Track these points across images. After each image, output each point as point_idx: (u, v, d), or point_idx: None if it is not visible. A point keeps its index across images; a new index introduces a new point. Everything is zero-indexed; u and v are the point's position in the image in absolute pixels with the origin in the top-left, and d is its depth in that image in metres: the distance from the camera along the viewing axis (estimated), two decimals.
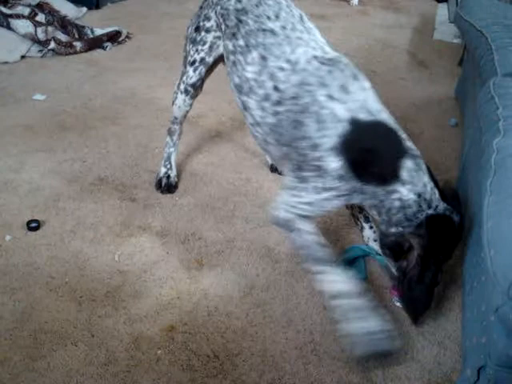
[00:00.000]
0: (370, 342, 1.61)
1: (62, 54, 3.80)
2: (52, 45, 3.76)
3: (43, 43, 3.75)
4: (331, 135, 1.65)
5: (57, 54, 3.80)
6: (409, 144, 1.71)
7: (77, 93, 3.31)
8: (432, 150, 2.92)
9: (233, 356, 1.74)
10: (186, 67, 2.22)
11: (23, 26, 3.73)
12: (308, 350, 1.78)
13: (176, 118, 2.41)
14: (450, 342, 1.82)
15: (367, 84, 1.77)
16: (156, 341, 1.77)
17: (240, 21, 1.95)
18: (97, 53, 3.93)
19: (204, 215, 2.32)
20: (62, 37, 3.87)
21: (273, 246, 2.17)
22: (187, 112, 2.38)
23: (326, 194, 1.70)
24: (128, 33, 4.22)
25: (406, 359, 1.76)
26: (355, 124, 1.65)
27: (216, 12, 2.05)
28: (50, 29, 3.82)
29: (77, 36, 3.98)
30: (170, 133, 2.47)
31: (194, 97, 2.30)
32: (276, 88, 1.80)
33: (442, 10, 5.34)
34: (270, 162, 2.62)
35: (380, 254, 1.97)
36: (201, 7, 2.17)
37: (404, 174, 1.64)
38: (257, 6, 1.95)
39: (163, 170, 2.48)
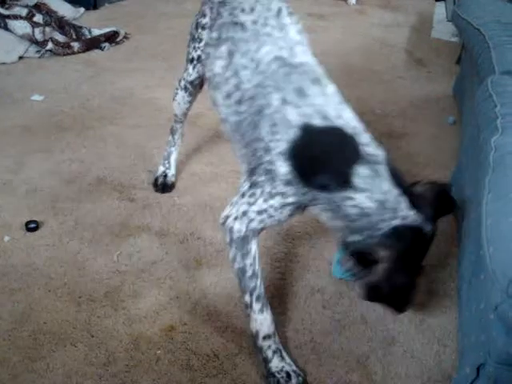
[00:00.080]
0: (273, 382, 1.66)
1: (59, 55, 3.79)
2: (50, 45, 3.75)
3: (41, 44, 3.74)
4: (281, 139, 1.60)
5: (54, 55, 3.79)
6: (369, 150, 1.59)
7: (75, 93, 3.30)
8: (430, 148, 2.92)
9: (232, 355, 1.74)
10: (186, 64, 2.21)
11: (21, 26, 3.72)
12: (307, 349, 1.78)
13: (176, 116, 2.40)
14: (449, 339, 1.82)
15: (330, 89, 1.69)
16: (155, 341, 1.76)
17: (218, 13, 1.90)
18: (94, 53, 3.92)
19: (203, 215, 2.32)
20: (60, 37, 3.86)
21: (272, 246, 2.17)
22: (187, 110, 2.36)
23: (273, 201, 1.63)
24: (126, 33, 4.21)
25: (406, 357, 1.76)
26: (306, 130, 1.59)
27: (210, 7, 2.03)
28: (47, 29, 3.81)
29: (74, 36, 3.97)
30: (172, 131, 2.47)
31: (193, 94, 2.28)
32: (237, 87, 1.74)
33: (440, 9, 5.33)
34: None
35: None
36: (202, 3, 2.16)
37: (357, 181, 1.53)
38: None
39: (161, 168, 2.48)
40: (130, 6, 4.93)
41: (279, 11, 1.85)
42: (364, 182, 1.54)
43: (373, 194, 1.54)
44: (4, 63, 3.61)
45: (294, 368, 1.68)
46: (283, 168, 1.60)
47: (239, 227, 1.67)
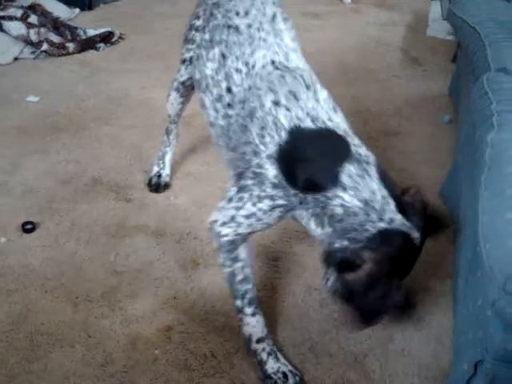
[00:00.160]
0: None
1: (54, 56, 3.78)
2: (45, 46, 3.74)
3: (36, 45, 3.73)
4: (271, 142, 1.59)
5: (50, 56, 3.78)
6: (359, 150, 1.57)
7: (70, 94, 3.29)
8: (426, 146, 2.93)
9: (230, 355, 1.74)
10: (179, 65, 2.21)
11: (16, 27, 3.71)
12: (305, 348, 1.78)
13: (170, 116, 2.40)
14: (446, 337, 1.82)
15: (323, 95, 1.67)
16: (153, 341, 1.76)
17: (211, 14, 1.89)
18: (90, 54, 3.91)
19: (199, 214, 2.32)
20: (55, 38, 3.85)
21: (269, 245, 2.17)
22: (180, 111, 2.37)
23: (262, 204, 1.61)
24: (121, 33, 4.20)
25: (404, 355, 1.76)
26: (296, 132, 1.58)
27: (203, 9, 2.02)
28: (42, 30, 3.80)
29: (69, 37, 3.96)
30: (167, 132, 2.47)
31: (185, 96, 2.28)
32: (229, 90, 1.73)
33: (435, 7, 5.33)
34: None
35: None
36: (196, 5, 2.16)
37: (345, 179, 1.50)
38: None
39: (155, 168, 2.49)
40: (125, 7, 4.92)
41: (274, 16, 1.84)
42: (352, 180, 1.51)
43: (360, 193, 1.50)
44: None
45: (291, 368, 1.68)
46: (272, 171, 1.58)
47: (227, 232, 1.66)
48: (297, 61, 1.78)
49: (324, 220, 1.59)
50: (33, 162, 2.61)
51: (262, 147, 1.60)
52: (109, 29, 4.13)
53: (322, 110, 1.62)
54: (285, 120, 1.59)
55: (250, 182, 1.63)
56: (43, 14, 4.01)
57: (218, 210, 1.70)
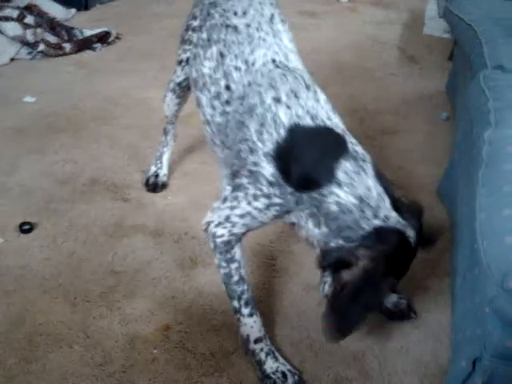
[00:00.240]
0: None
1: (51, 56, 3.78)
2: (41, 47, 3.74)
3: (32, 45, 3.72)
4: (269, 139, 1.58)
5: (46, 56, 3.77)
6: (356, 148, 1.58)
7: (67, 94, 3.29)
8: (423, 144, 2.93)
9: (229, 354, 1.74)
10: (176, 66, 2.21)
11: (12, 28, 3.71)
12: (304, 347, 1.78)
13: (167, 117, 2.41)
14: (445, 334, 1.82)
15: (322, 96, 1.67)
16: (151, 340, 1.76)
17: (208, 13, 1.89)
18: (86, 54, 3.91)
19: (197, 214, 2.30)
20: (52, 38, 3.85)
21: (267, 244, 2.17)
22: (177, 111, 2.37)
23: (257, 203, 1.61)
24: (117, 33, 4.20)
25: (402, 353, 1.77)
26: (295, 130, 1.57)
27: (200, 9, 2.02)
28: (39, 31, 3.79)
29: (66, 37, 3.96)
30: (165, 132, 2.47)
31: (181, 96, 2.28)
32: (228, 87, 1.73)
33: (432, 5, 5.33)
34: None
35: None
36: (193, 6, 2.16)
37: (340, 175, 1.50)
38: None
39: (153, 168, 2.49)
40: (122, 7, 4.92)
41: (272, 17, 1.84)
42: (348, 176, 1.51)
43: (355, 190, 1.50)
44: None
45: (289, 367, 1.68)
46: (269, 169, 1.58)
47: (222, 232, 1.66)
48: (296, 62, 1.79)
49: (321, 220, 1.58)
50: (30, 162, 2.61)
51: (259, 144, 1.60)
52: (105, 29, 4.12)
53: (321, 109, 1.63)
54: (284, 117, 1.59)
55: (245, 180, 1.62)
56: (39, 14, 4.02)
57: (213, 210, 1.70)
